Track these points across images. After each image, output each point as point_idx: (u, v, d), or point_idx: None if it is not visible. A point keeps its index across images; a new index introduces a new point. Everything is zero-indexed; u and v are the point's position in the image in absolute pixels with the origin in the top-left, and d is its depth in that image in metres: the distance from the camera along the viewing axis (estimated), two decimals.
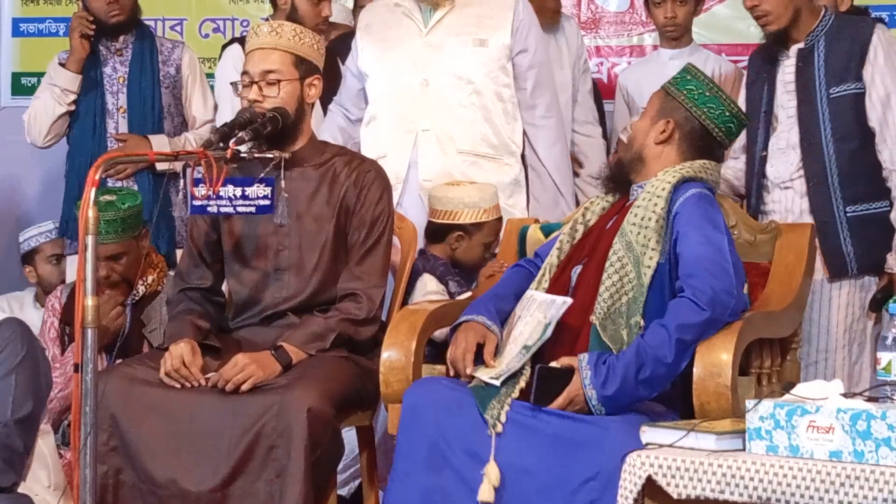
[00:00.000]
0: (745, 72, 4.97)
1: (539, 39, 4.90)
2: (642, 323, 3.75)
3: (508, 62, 4.82)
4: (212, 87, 5.71)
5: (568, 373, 3.64)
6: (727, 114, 3.96)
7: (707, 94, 3.95)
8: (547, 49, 5.06)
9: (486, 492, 3.58)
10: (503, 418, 3.62)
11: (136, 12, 5.61)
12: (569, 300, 3.78)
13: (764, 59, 4.73)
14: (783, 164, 4.62)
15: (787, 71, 4.64)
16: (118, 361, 4.44)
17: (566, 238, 4.03)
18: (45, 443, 4.09)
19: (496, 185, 4.70)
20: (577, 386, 3.62)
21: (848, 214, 4.53)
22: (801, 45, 4.62)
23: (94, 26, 5.52)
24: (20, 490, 3.94)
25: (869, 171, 4.57)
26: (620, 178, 4.03)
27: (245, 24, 6.49)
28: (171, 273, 4.82)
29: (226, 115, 5.16)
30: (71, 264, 5.53)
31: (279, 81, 4.12)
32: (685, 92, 3.96)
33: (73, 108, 5.55)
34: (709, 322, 3.65)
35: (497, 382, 3.69)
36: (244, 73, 4.17)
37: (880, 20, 4.82)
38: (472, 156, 4.77)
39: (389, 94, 4.87)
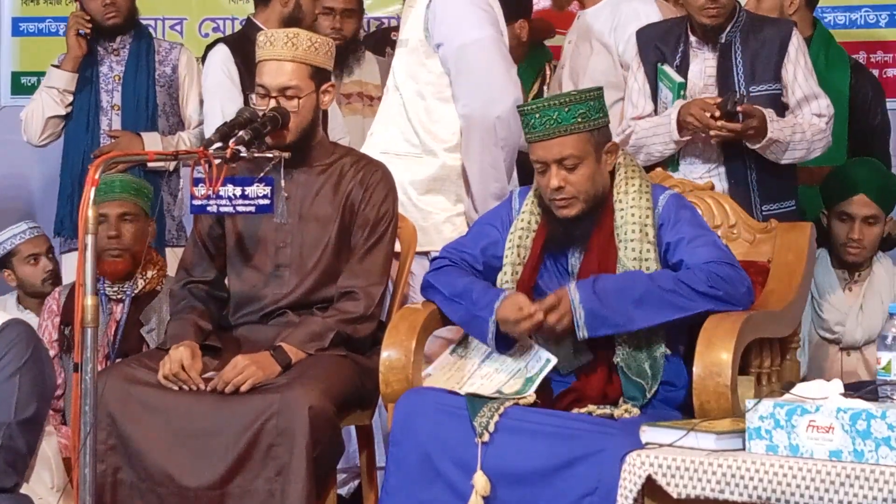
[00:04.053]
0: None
1: (457, 28, 4.58)
2: (668, 351, 3.77)
3: (430, 59, 4.63)
4: None
5: None
6: (595, 103, 3.84)
7: (576, 102, 3.81)
8: (482, 33, 4.56)
9: (475, 503, 3.58)
10: (492, 427, 3.61)
11: (132, 14, 5.62)
12: (553, 360, 3.76)
13: (674, 46, 4.68)
14: (699, 158, 4.64)
15: (707, 65, 4.64)
16: (117, 361, 4.45)
17: (515, 261, 3.93)
18: (49, 444, 4.09)
19: (409, 183, 4.57)
20: (563, 291, 3.68)
21: (764, 213, 4.55)
22: (721, 39, 4.62)
23: (90, 25, 5.54)
24: (23, 491, 3.95)
25: (780, 169, 4.61)
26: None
27: (245, 23, 6.47)
28: (169, 274, 4.82)
29: (215, 115, 5.16)
30: (67, 262, 5.52)
31: (298, 98, 4.13)
32: (579, 117, 3.79)
33: (70, 108, 5.57)
34: (717, 300, 3.69)
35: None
36: (260, 84, 4.16)
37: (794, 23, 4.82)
38: (392, 155, 4.62)
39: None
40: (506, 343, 3.83)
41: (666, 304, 3.69)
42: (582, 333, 3.69)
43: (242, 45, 5.21)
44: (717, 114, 4.45)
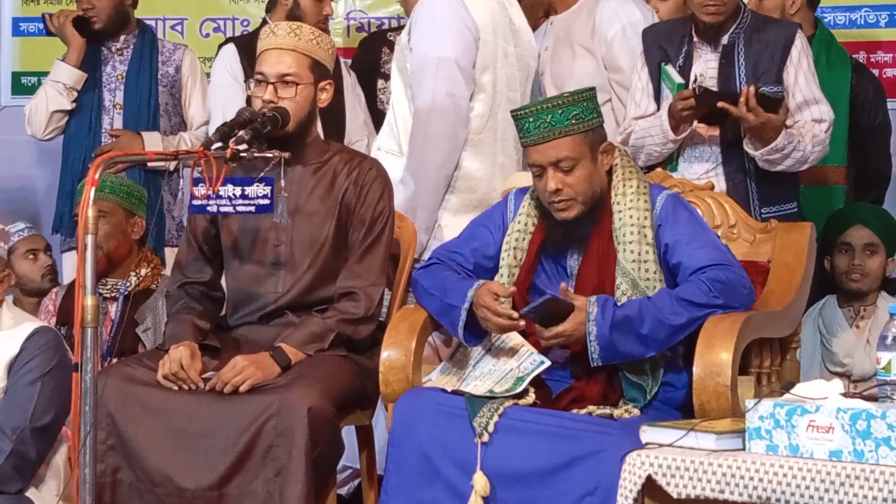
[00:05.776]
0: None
1: (426, 37, 4.62)
2: (669, 353, 3.76)
3: (409, 62, 4.68)
4: None
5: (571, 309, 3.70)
6: (588, 104, 3.82)
7: (569, 104, 3.79)
8: (444, 53, 4.62)
9: (474, 503, 3.57)
10: (491, 428, 3.61)
11: (120, 18, 5.60)
12: (547, 362, 3.76)
13: (677, 46, 4.68)
14: (698, 159, 4.64)
15: (709, 66, 4.63)
16: (115, 361, 4.45)
17: (512, 263, 3.92)
18: (60, 454, 4.10)
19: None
20: (581, 319, 3.65)
21: (763, 215, 4.54)
22: (724, 41, 4.62)
23: (79, 12, 5.56)
24: (28, 495, 3.96)
25: (780, 173, 4.59)
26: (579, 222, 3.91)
27: (245, 23, 6.47)
28: (165, 273, 4.81)
29: (217, 115, 5.17)
30: (67, 262, 5.52)
31: (296, 84, 4.12)
32: (573, 119, 3.78)
33: (74, 105, 5.58)
34: (719, 307, 3.68)
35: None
36: (259, 72, 4.16)
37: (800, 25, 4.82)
38: (383, 152, 4.69)
39: None
40: (474, 335, 3.84)
41: (673, 332, 3.68)
42: (596, 363, 3.69)
43: (251, 46, 5.22)
44: (692, 103, 4.46)
